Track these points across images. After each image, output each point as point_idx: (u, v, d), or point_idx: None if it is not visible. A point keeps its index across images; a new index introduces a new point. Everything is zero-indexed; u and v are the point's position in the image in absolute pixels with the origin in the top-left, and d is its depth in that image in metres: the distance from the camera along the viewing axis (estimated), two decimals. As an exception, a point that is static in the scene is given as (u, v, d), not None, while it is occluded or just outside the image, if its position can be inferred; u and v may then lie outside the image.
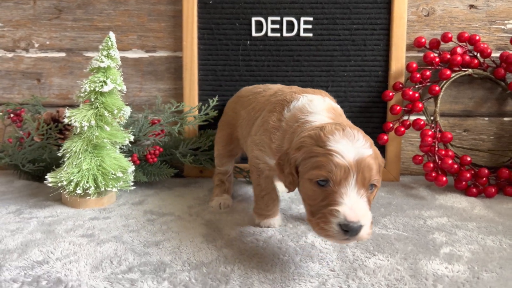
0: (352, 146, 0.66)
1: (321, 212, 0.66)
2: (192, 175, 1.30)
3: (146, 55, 1.32)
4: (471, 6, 1.26)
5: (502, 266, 0.75)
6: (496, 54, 1.24)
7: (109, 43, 1.00)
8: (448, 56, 1.20)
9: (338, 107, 0.84)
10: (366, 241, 0.83)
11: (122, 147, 1.08)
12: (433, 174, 1.13)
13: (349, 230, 0.62)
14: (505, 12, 1.25)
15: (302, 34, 1.25)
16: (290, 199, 1.09)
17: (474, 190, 1.12)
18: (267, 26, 1.25)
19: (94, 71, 1.00)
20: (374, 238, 0.85)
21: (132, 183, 1.06)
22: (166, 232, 0.88)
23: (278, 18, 1.24)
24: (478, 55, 1.22)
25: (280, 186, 1.16)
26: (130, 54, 1.32)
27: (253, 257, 0.77)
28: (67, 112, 0.99)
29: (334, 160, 0.65)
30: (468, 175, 1.12)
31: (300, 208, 1.03)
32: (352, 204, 0.64)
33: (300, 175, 0.71)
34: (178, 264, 0.74)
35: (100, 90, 0.99)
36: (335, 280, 0.69)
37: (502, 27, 1.26)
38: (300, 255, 0.78)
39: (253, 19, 1.25)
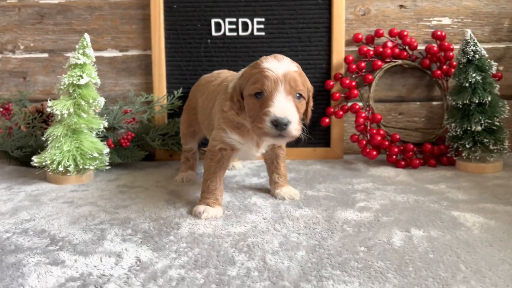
0: (279, 64, 0.85)
1: (257, 116, 0.83)
2: (163, 158, 1.47)
3: (119, 54, 1.49)
4: (401, 6, 1.45)
5: (401, 213, 0.93)
6: (422, 47, 1.44)
7: (84, 43, 1.17)
8: (380, 49, 1.40)
9: None
10: (299, 200, 1.02)
11: (99, 132, 1.25)
12: (367, 150, 1.32)
13: (278, 125, 0.79)
14: (430, 11, 1.45)
15: (255, 33, 1.43)
16: (245, 174, 1.28)
17: (403, 162, 1.31)
18: (225, 26, 1.43)
19: (72, 67, 1.18)
20: (306, 198, 1.04)
21: (108, 164, 1.23)
22: (135, 199, 1.05)
23: (235, 20, 1.43)
24: (407, 48, 1.42)
25: (238, 164, 1.34)
26: (105, 54, 1.49)
27: (202, 212, 0.95)
28: (49, 102, 1.16)
29: (266, 74, 0.83)
30: (396, 149, 1.31)
31: (252, 180, 1.21)
32: (281, 105, 0.81)
33: (244, 98, 0.88)
34: (141, 219, 0.92)
35: (77, 83, 1.16)
36: (265, 224, 0.88)
37: (428, 23, 1.45)
38: (242, 210, 0.96)
39: (213, 20, 1.43)
